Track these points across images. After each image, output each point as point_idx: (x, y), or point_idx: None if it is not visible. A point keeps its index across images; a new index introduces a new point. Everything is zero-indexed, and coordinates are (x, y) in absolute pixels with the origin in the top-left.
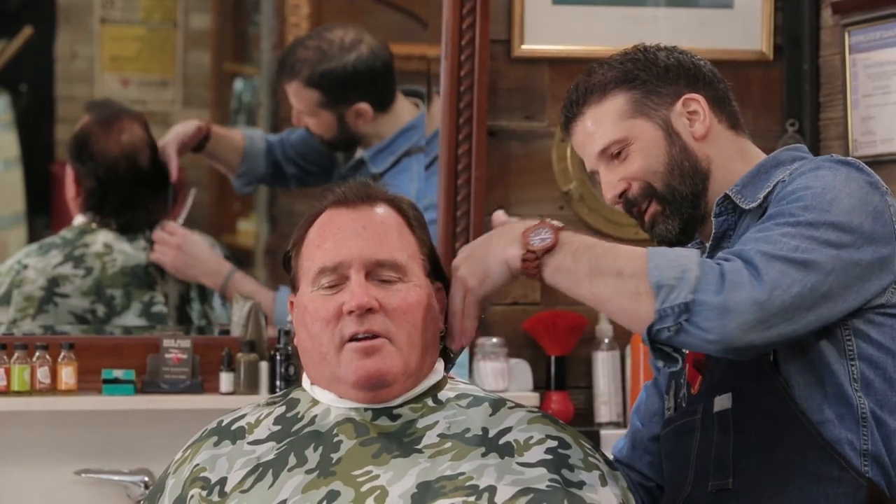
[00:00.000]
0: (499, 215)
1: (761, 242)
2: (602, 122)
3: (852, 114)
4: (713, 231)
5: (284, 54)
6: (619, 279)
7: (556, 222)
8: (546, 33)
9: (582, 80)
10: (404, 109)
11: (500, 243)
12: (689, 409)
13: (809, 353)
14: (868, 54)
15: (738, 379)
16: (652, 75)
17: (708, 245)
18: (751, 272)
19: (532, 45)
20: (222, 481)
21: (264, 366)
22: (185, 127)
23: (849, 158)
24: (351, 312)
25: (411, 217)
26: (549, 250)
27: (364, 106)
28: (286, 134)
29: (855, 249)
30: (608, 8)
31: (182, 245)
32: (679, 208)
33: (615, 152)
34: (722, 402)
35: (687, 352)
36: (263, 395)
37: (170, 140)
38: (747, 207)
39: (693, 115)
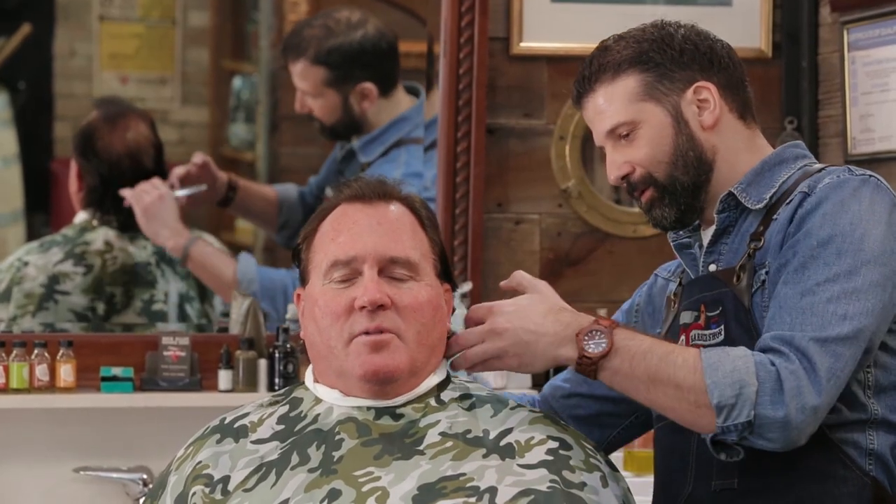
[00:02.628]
0: (521, 279)
1: (810, 323)
2: (612, 102)
3: (851, 111)
4: (714, 227)
5: (289, 35)
6: (678, 391)
7: (604, 318)
8: (545, 31)
9: (597, 55)
10: (403, 100)
11: (551, 342)
12: None
13: None
14: (867, 52)
15: None
16: (666, 58)
17: (708, 235)
18: (806, 370)
19: (531, 43)
20: (225, 479)
21: (263, 363)
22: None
23: (867, 173)
24: (363, 308)
25: (424, 217)
26: (605, 356)
27: (369, 86)
28: (311, 181)
29: (893, 273)
30: (607, 6)
31: (161, 197)
32: (678, 198)
33: (623, 133)
34: None
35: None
36: (262, 392)
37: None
38: (753, 208)
39: (703, 103)
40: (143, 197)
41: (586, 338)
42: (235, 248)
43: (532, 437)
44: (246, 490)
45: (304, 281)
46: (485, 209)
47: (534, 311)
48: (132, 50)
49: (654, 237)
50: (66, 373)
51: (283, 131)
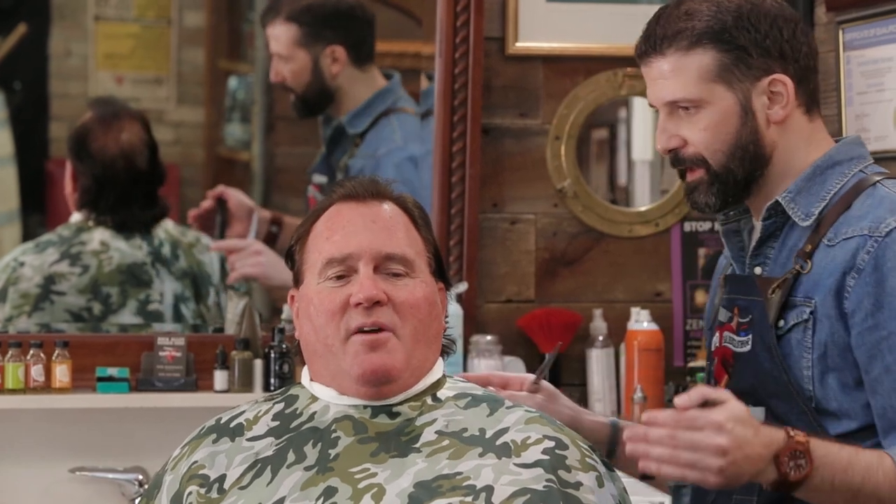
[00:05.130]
0: (706, 394)
1: None
2: (681, 74)
3: (846, 111)
4: (759, 234)
5: (271, 1)
6: (880, 502)
7: (797, 433)
8: (540, 31)
9: (676, 15)
10: (379, 77)
11: (754, 466)
12: None
13: (853, 392)
14: (862, 51)
15: (768, 394)
16: (749, 41)
17: (757, 230)
18: None
19: (526, 43)
20: (221, 478)
21: (258, 364)
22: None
23: None
24: (358, 304)
25: (416, 216)
26: (806, 477)
27: (339, 49)
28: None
29: None
30: (602, 5)
31: (260, 251)
32: (727, 189)
33: (684, 107)
34: (755, 413)
35: (717, 345)
36: (258, 393)
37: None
38: (802, 224)
39: (775, 96)
40: (245, 268)
41: (788, 461)
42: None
43: (528, 437)
44: (241, 487)
45: (297, 282)
46: (480, 209)
47: (749, 432)
48: (128, 50)
49: (649, 237)
50: (61, 373)
51: (278, 131)
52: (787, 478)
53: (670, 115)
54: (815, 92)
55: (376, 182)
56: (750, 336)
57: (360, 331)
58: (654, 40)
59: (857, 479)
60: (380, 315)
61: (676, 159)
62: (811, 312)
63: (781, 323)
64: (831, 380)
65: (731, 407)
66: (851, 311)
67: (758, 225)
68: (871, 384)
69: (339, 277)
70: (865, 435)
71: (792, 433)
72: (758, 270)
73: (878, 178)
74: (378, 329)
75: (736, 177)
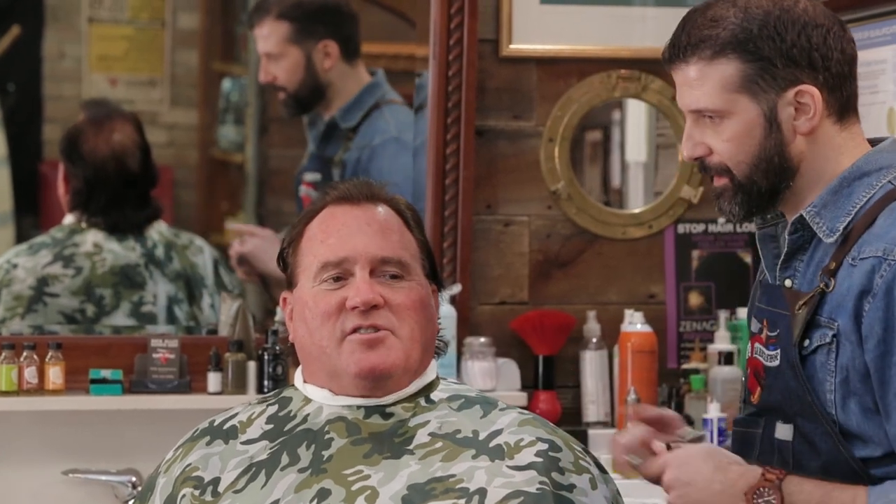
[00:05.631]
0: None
1: None
2: (705, 83)
3: None
4: (785, 248)
5: (257, 3)
6: None
7: (772, 470)
8: (534, 33)
9: (702, 23)
10: (365, 72)
11: (720, 500)
12: (751, 420)
13: (875, 417)
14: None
15: (794, 412)
16: (774, 51)
17: (781, 252)
18: None
19: (520, 45)
20: (215, 481)
21: (252, 365)
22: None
23: None
24: (355, 308)
25: (409, 218)
26: None
27: (331, 44)
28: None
29: None
30: (596, 7)
31: (264, 236)
32: (752, 199)
33: (710, 116)
34: (783, 431)
35: (750, 355)
36: (251, 394)
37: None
38: (827, 241)
39: (802, 106)
40: (245, 244)
41: (755, 496)
42: (224, 250)
43: (522, 439)
44: (236, 491)
45: (290, 284)
46: (474, 211)
47: (702, 468)
48: (121, 52)
49: (642, 239)
50: (55, 375)
51: (272, 133)
52: None
53: (696, 122)
54: (851, 99)
55: (370, 184)
56: (778, 351)
57: (356, 331)
58: (679, 47)
59: None
60: (377, 318)
61: (703, 167)
62: (834, 336)
63: (807, 342)
64: (853, 404)
65: (701, 447)
66: (865, 337)
67: (785, 238)
68: (885, 410)
69: (335, 280)
70: (890, 460)
71: (768, 471)
72: (788, 283)
73: None
74: (375, 329)
75: (760, 188)
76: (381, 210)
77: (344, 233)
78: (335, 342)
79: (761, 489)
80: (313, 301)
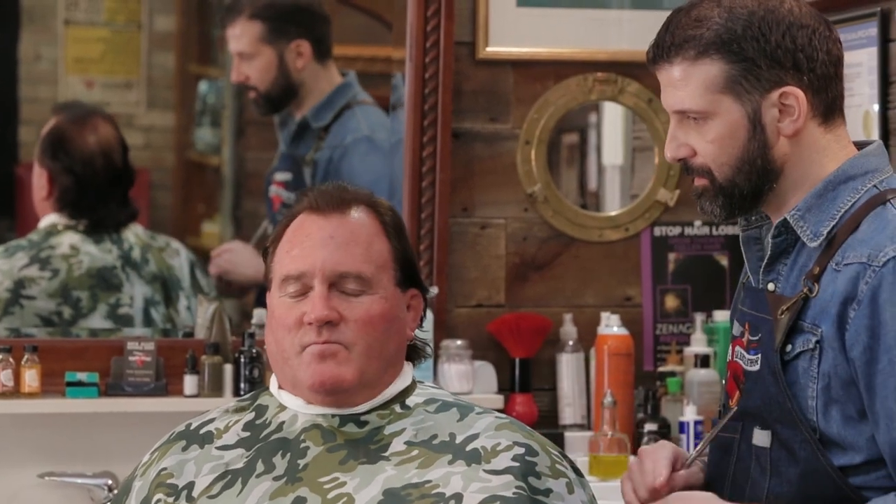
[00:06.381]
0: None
1: None
2: (688, 84)
3: None
4: (769, 251)
5: (230, 3)
6: None
7: None
8: (510, 35)
9: (686, 23)
10: (337, 73)
11: None
12: (730, 426)
13: (858, 424)
14: None
15: (773, 418)
16: (758, 52)
17: (766, 251)
18: None
19: (496, 48)
20: (189, 485)
21: (228, 368)
22: None
23: None
24: (311, 323)
25: (388, 223)
26: None
27: (304, 43)
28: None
29: None
30: (572, 10)
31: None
32: (732, 201)
33: (693, 117)
34: (761, 437)
35: (730, 359)
36: (228, 397)
37: None
38: (811, 245)
39: (787, 109)
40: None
41: None
42: (201, 253)
43: (498, 443)
44: (210, 497)
45: (267, 286)
46: (450, 213)
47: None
48: (97, 54)
49: (619, 242)
50: (30, 378)
51: (249, 136)
52: None
53: (680, 123)
54: (837, 100)
55: (344, 189)
56: (759, 355)
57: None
58: (663, 48)
59: None
60: (332, 334)
61: (686, 168)
62: (818, 342)
63: (789, 348)
64: (834, 412)
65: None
66: (850, 345)
67: (769, 241)
68: (873, 418)
69: (296, 294)
70: (869, 468)
71: None
72: (771, 286)
73: (890, 196)
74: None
75: (742, 191)
76: (355, 217)
77: (307, 245)
78: (296, 353)
79: None
80: (279, 311)
